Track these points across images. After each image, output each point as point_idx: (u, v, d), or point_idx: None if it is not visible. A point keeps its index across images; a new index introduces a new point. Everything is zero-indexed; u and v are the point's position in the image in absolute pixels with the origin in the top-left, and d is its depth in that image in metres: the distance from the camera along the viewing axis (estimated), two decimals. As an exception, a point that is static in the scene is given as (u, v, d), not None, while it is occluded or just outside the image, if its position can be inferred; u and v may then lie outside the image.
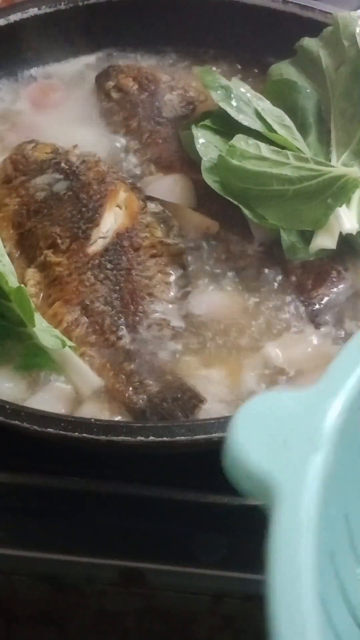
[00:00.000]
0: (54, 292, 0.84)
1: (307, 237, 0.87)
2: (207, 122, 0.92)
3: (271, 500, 0.39)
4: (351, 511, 0.47)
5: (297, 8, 1.06)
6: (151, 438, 0.69)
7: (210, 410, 0.78)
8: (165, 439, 0.70)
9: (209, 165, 0.88)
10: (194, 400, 0.77)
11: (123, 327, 0.82)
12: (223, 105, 0.91)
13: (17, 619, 0.80)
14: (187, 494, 0.76)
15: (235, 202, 0.87)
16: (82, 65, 1.11)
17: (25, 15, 1.06)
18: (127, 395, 0.78)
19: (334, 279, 0.87)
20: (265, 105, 0.93)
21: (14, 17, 1.06)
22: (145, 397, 0.78)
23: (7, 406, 0.72)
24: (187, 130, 0.94)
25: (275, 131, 0.90)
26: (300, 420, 0.41)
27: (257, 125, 0.90)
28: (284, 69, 1.00)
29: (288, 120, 0.93)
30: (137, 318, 0.83)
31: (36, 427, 0.70)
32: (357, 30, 0.96)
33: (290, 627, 0.35)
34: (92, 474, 0.77)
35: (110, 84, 1.04)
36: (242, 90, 0.94)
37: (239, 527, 0.76)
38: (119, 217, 0.87)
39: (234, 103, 0.91)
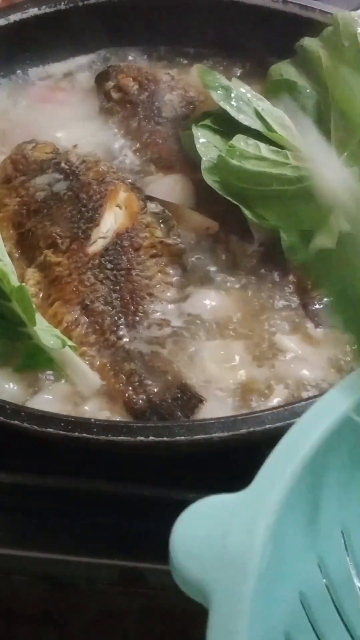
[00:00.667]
0: (54, 292, 0.84)
1: (307, 237, 0.87)
2: (207, 121, 0.92)
3: (209, 606, 0.41)
4: (305, 592, 0.49)
5: (297, 8, 1.06)
6: (151, 438, 0.69)
7: (210, 410, 0.78)
8: (165, 439, 0.70)
9: (208, 165, 0.88)
10: (194, 400, 0.77)
11: (123, 327, 0.82)
12: (223, 105, 0.91)
13: (17, 619, 0.80)
14: (187, 494, 0.76)
15: (235, 202, 0.87)
16: (82, 65, 1.11)
17: (25, 15, 1.06)
18: (127, 395, 0.78)
19: (334, 279, 0.87)
20: (265, 106, 0.93)
21: (14, 17, 1.06)
22: (145, 397, 0.77)
23: (7, 406, 0.72)
24: (187, 130, 0.94)
25: (275, 131, 0.90)
26: (237, 522, 0.43)
27: (257, 125, 0.90)
28: (284, 69, 1.00)
29: (288, 121, 0.93)
30: (137, 318, 0.83)
31: (36, 427, 0.70)
32: (358, 31, 0.96)
33: None
34: (92, 474, 0.77)
35: (110, 84, 1.04)
36: (242, 90, 0.94)
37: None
38: (119, 217, 0.87)
39: (234, 103, 0.91)
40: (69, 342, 0.79)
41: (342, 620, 0.50)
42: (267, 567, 0.42)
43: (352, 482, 0.52)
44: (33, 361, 0.80)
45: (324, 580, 0.50)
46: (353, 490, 0.52)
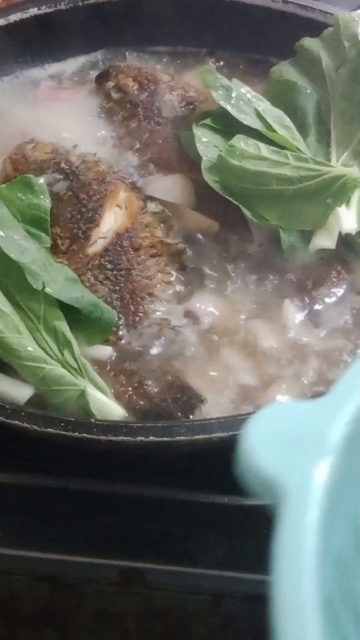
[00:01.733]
0: (55, 293, 0.84)
1: (306, 237, 0.87)
2: (207, 121, 0.92)
3: (278, 502, 0.41)
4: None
5: (297, 8, 1.05)
6: (151, 438, 0.69)
7: (210, 410, 0.78)
8: (165, 439, 0.70)
9: (209, 165, 0.88)
10: (194, 400, 0.77)
11: (123, 327, 0.82)
12: (224, 104, 0.91)
13: (17, 619, 0.80)
14: (187, 494, 0.76)
15: (235, 202, 0.87)
16: (82, 66, 1.11)
17: (25, 15, 1.06)
18: (127, 395, 0.78)
19: (334, 279, 0.87)
20: (265, 106, 0.93)
21: (14, 17, 1.06)
22: (145, 397, 0.77)
23: (7, 406, 0.72)
24: (187, 130, 0.94)
25: (275, 131, 0.90)
26: (309, 428, 0.43)
27: (257, 125, 0.90)
28: (284, 70, 1.00)
29: (288, 121, 0.93)
30: (137, 318, 0.83)
31: (36, 427, 0.70)
32: (358, 31, 0.96)
33: (291, 624, 0.36)
34: (92, 474, 0.77)
35: (110, 84, 1.04)
36: (243, 90, 0.94)
37: (239, 527, 0.76)
38: (118, 217, 0.87)
39: (234, 103, 0.91)
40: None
41: None
42: (338, 479, 0.42)
43: None
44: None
45: None
46: None
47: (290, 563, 0.38)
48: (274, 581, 0.37)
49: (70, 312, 0.78)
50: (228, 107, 0.91)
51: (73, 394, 0.75)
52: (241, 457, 0.43)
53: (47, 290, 0.76)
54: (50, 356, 0.76)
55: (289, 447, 0.43)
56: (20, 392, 0.76)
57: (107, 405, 0.77)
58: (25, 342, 0.75)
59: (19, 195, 0.83)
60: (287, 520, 0.40)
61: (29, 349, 0.75)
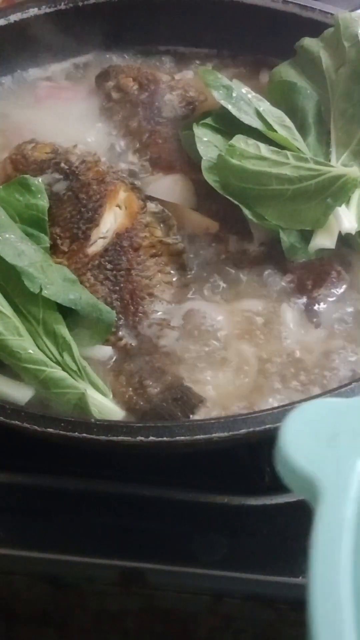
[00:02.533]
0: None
1: (306, 237, 0.87)
2: (208, 120, 0.92)
3: (315, 498, 0.42)
4: None
5: (297, 8, 1.06)
6: (151, 438, 0.69)
7: (210, 410, 0.78)
8: (165, 439, 0.70)
9: (209, 165, 0.88)
10: (194, 400, 0.77)
11: (123, 327, 0.82)
12: (224, 103, 0.91)
13: (17, 619, 0.80)
14: (187, 494, 0.76)
15: (235, 202, 0.87)
16: (82, 65, 1.11)
17: (25, 15, 1.06)
18: (127, 395, 0.78)
19: (334, 279, 0.87)
20: (265, 106, 0.93)
21: (14, 17, 1.06)
22: (145, 397, 0.77)
23: (7, 406, 0.72)
24: (187, 130, 0.94)
25: (275, 131, 0.90)
26: (345, 426, 0.44)
27: (257, 124, 0.90)
28: (284, 70, 1.00)
29: (288, 121, 0.93)
30: (137, 318, 0.83)
31: (36, 427, 0.70)
32: (358, 31, 0.96)
33: (328, 622, 0.37)
34: (92, 474, 0.77)
35: (110, 84, 1.04)
36: (243, 91, 0.94)
37: (239, 527, 0.76)
38: (118, 217, 0.87)
39: (235, 102, 0.91)
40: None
41: None
42: None
43: None
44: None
45: None
46: None
47: (328, 559, 0.39)
48: (311, 577, 0.38)
49: (70, 313, 0.78)
50: (229, 107, 0.91)
51: (73, 397, 0.75)
52: (278, 454, 0.44)
53: (45, 293, 0.76)
54: (50, 359, 0.76)
55: (325, 445, 0.44)
56: (20, 393, 0.76)
57: (107, 406, 0.77)
58: (25, 345, 0.75)
59: (16, 196, 0.83)
60: (325, 517, 0.40)
61: (30, 351, 0.75)
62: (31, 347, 0.76)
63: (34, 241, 0.82)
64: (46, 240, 0.83)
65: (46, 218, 0.83)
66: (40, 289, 0.75)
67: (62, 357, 0.76)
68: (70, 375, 0.76)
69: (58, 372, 0.76)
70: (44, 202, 0.83)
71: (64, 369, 0.76)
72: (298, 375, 0.81)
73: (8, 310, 0.76)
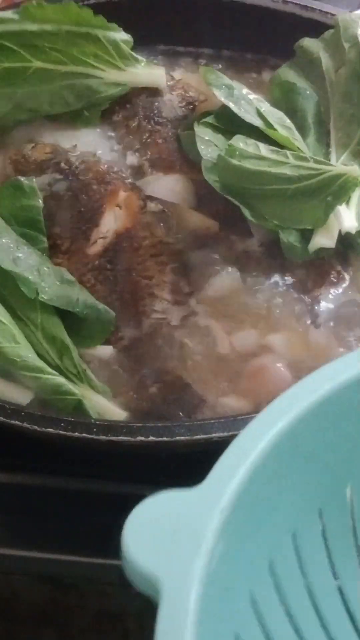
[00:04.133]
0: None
1: (306, 237, 0.87)
2: (209, 119, 0.92)
3: (157, 595, 0.42)
4: (255, 593, 0.50)
5: (297, 8, 1.06)
6: (151, 438, 0.69)
7: (210, 410, 0.78)
8: (165, 439, 0.70)
9: (209, 165, 0.88)
10: (195, 400, 0.77)
11: (124, 327, 0.82)
12: (226, 101, 0.91)
13: (17, 619, 0.80)
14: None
15: (235, 202, 0.87)
16: (82, 66, 1.11)
17: (25, 16, 1.06)
18: (128, 395, 0.78)
19: (334, 279, 0.87)
20: (266, 107, 0.93)
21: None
22: (146, 397, 0.78)
23: (7, 406, 0.72)
24: (187, 130, 0.94)
25: (276, 130, 0.90)
26: (185, 520, 0.44)
27: (258, 123, 0.90)
28: (284, 71, 1.00)
29: (288, 122, 0.93)
30: (137, 318, 0.83)
31: (36, 427, 0.70)
32: (358, 32, 0.96)
33: None
34: (92, 474, 0.77)
35: (110, 84, 1.04)
36: (244, 91, 0.94)
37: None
38: (118, 217, 0.87)
39: (236, 101, 0.92)
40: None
41: (291, 621, 0.52)
42: (217, 565, 0.43)
43: (307, 486, 0.53)
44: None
45: (273, 583, 0.51)
46: (306, 495, 0.53)
47: None
48: None
49: (69, 315, 0.78)
50: (231, 105, 0.91)
51: (70, 403, 0.76)
52: (123, 555, 0.44)
53: (41, 297, 0.76)
54: (49, 363, 0.76)
55: (166, 541, 0.43)
56: (21, 395, 0.76)
57: (107, 408, 0.77)
58: (21, 352, 0.75)
59: (10, 198, 0.83)
60: (165, 616, 0.41)
61: (25, 358, 0.75)
62: (28, 353, 0.76)
63: (31, 243, 0.82)
64: (44, 241, 0.83)
65: (42, 219, 0.83)
66: (36, 294, 0.76)
67: (62, 360, 0.77)
68: (69, 379, 0.76)
69: (54, 379, 0.76)
70: (39, 203, 0.84)
71: (63, 373, 0.76)
72: (299, 375, 0.81)
73: (5, 317, 0.76)
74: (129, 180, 0.93)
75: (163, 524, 0.44)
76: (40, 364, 0.76)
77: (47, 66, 0.93)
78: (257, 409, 0.77)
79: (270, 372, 0.79)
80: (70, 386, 0.76)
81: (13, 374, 0.77)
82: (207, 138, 0.91)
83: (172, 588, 0.42)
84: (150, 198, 0.91)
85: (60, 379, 0.76)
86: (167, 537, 0.43)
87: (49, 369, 0.76)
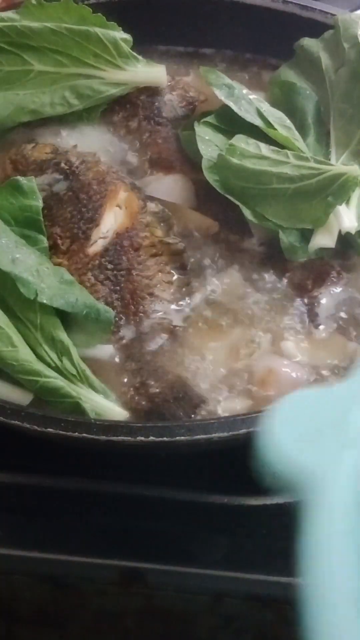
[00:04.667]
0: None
1: (306, 237, 0.87)
2: (209, 118, 0.92)
3: (306, 491, 0.41)
4: None
5: (297, 8, 1.05)
6: (151, 438, 0.69)
7: (211, 410, 0.78)
8: (165, 439, 0.70)
9: (209, 164, 0.88)
10: (196, 400, 0.77)
11: (124, 327, 0.82)
12: (227, 101, 0.91)
13: (17, 619, 0.80)
14: (187, 494, 0.76)
15: (236, 202, 0.87)
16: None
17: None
18: (129, 396, 0.78)
19: (334, 279, 0.87)
20: (266, 107, 0.93)
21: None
22: (147, 397, 0.78)
23: (7, 406, 0.72)
24: (187, 130, 0.94)
25: (276, 129, 0.90)
26: (331, 415, 0.44)
27: (259, 122, 0.90)
28: (284, 71, 1.00)
29: (288, 122, 0.93)
30: (137, 318, 0.83)
31: (36, 427, 0.70)
32: (358, 32, 0.96)
33: (325, 615, 0.37)
34: (92, 474, 0.77)
35: (110, 84, 1.04)
36: (244, 92, 0.94)
37: (239, 527, 0.76)
38: (119, 217, 0.87)
39: (236, 100, 0.92)
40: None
41: None
42: None
43: None
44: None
45: None
46: None
47: (322, 549, 0.39)
48: (306, 563, 0.38)
49: (68, 315, 0.78)
50: (231, 104, 0.91)
51: (68, 405, 0.76)
52: (264, 448, 0.44)
53: (40, 298, 0.76)
54: (49, 364, 0.76)
55: (313, 435, 0.43)
56: (21, 396, 0.76)
57: (107, 408, 0.77)
58: (18, 356, 0.75)
59: (9, 199, 0.83)
60: (321, 506, 0.40)
61: (22, 362, 0.75)
62: (26, 357, 0.76)
63: (31, 242, 0.82)
64: (43, 241, 0.83)
65: (41, 218, 0.83)
66: (36, 295, 0.75)
67: (61, 361, 0.76)
68: (69, 379, 0.76)
69: (52, 382, 0.76)
70: (38, 203, 0.83)
71: (62, 374, 0.76)
72: (299, 375, 0.81)
73: (2, 320, 0.76)
74: (129, 180, 0.93)
75: (309, 418, 0.44)
76: (38, 366, 0.76)
77: (48, 69, 0.94)
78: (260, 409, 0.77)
79: (280, 375, 0.79)
80: (68, 389, 0.76)
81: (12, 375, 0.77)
82: (207, 138, 0.91)
83: (323, 478, 0.41)
84: (150, 198, 0.91)
85: (58, 382, 0.76)
86: (315, 431, 0.43)
87: (47, 372, 0.76)
